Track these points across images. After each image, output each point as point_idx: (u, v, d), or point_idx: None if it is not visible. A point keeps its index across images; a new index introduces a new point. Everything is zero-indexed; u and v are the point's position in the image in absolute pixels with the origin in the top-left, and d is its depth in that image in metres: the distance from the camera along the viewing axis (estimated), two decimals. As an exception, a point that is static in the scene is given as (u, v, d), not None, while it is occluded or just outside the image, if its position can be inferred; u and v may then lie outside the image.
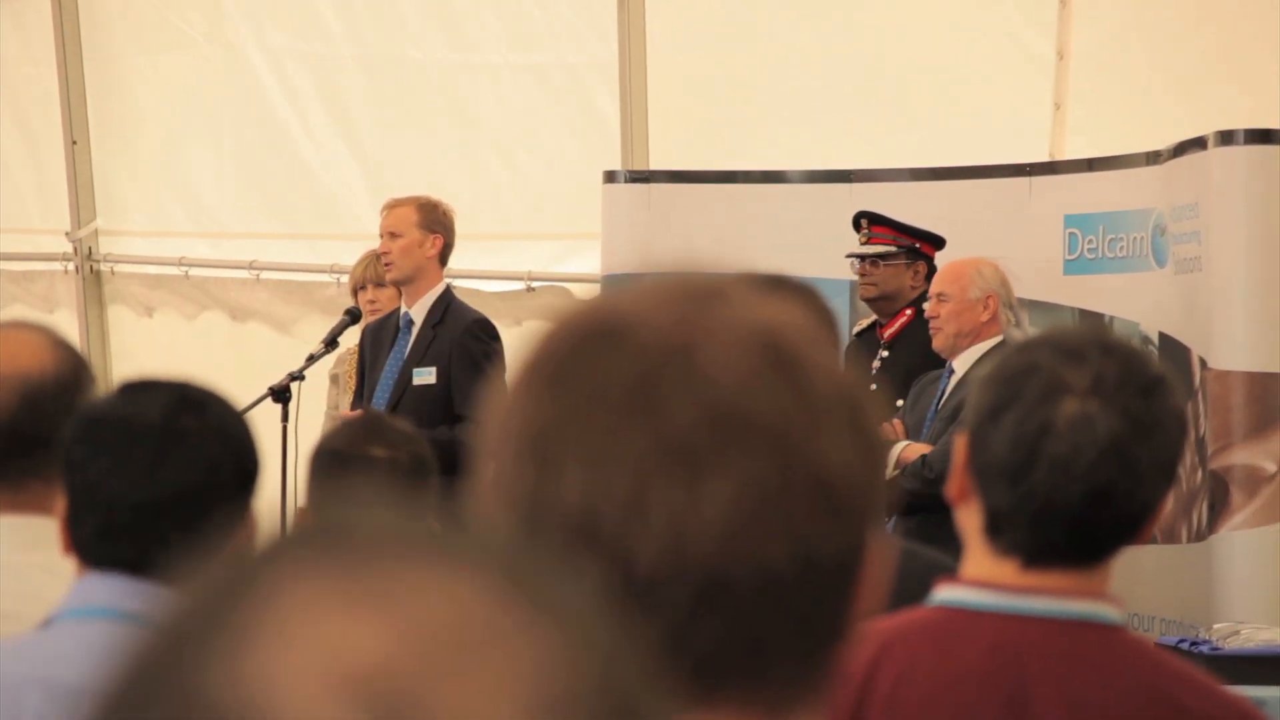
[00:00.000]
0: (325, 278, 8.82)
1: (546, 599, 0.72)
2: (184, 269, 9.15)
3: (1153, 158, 6.69)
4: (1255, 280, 6.20)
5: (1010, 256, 6.83)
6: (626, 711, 0.70)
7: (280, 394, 6.53)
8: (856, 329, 6.89)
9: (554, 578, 0.73)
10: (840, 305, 7.41)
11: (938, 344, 6.21)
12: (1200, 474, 6.38)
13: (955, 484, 2.21)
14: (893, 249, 6.63)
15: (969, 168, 7.26)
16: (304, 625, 0.70)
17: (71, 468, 2.27)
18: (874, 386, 6.04)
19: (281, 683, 0.69)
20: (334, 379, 7.24)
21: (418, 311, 6.65)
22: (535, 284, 8.41)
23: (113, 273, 9.34)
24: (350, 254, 8.63)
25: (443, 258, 6.74)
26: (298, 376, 6.58)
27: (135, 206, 9.29)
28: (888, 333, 6.63)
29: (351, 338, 7.04)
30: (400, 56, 8.74)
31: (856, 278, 6.74)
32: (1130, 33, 7.52)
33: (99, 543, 2.24)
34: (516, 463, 1.10)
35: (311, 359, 6.72)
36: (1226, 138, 6.24)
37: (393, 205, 6.77)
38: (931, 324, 6.23)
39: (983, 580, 2.17)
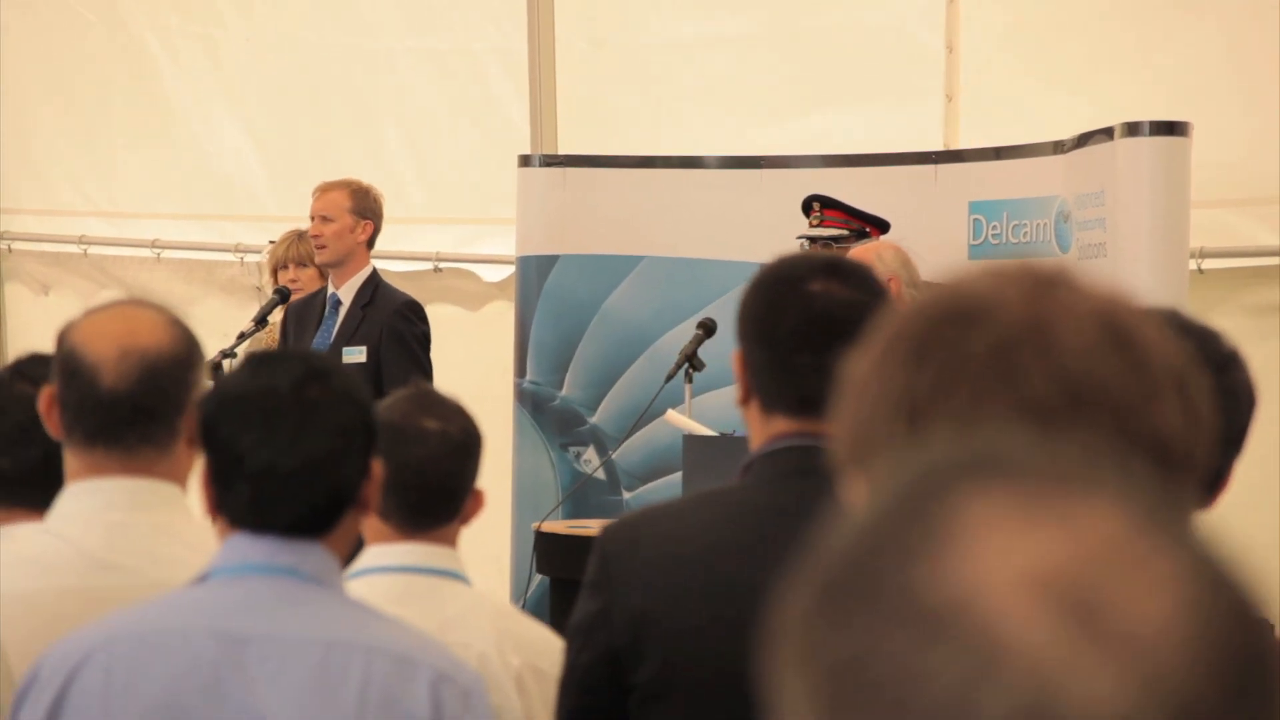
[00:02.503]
0: (230, 257, 8.89)
1: (1170, 521, 0.90)
2: (83, 247, 9.17)
3: (1057, 147, 6.97)
4: (1161, 266, 6.48)
5: (917, 241, 7.08)
6: (1243, 608, 0.88)
7: (212, 370, 6.62)
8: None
9: (1171, 507, 0.91)
10: (749, 288, 7.62)
11: None
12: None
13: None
14: (844, 232, 6.84)
15: (875, 155, 7.50)
16: (993, 536, 0.87)
17: (218, 441, 2.41)
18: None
19: (980, 582, 0.86)
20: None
21: (345, 292, 6.81)
22: (443, 265, 8.55)
23: (9, 250, 9.33)
24: (251, 235, 8.73)
25: (371, 242, 6.90)
26: (229, 354, 6.68)
27: (33, 185, 9.28)
28: (834, 312, 6.83)
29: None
30: (299, 40, 8.82)
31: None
32: (1017, 29, 7.78)
33: (250, 508, 2.39)
34: (882, 421, 1.28)
35: (243, 336, 6.82)
36: (1133, 129, 6.52)
37: (325, 189, 6.91)
38: None
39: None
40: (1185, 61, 7.27)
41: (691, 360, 6.55)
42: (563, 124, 8.36)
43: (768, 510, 2.72)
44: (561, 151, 8.24)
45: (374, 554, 2.92)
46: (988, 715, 0.84)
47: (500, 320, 8.43)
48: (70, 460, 2.81)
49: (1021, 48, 7.74)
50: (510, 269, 8.54)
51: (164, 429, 2.72)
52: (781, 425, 2.73)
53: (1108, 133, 6.62)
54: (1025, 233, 7.15)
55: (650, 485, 7.60)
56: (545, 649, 3.00)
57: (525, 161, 7.83)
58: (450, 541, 3.03)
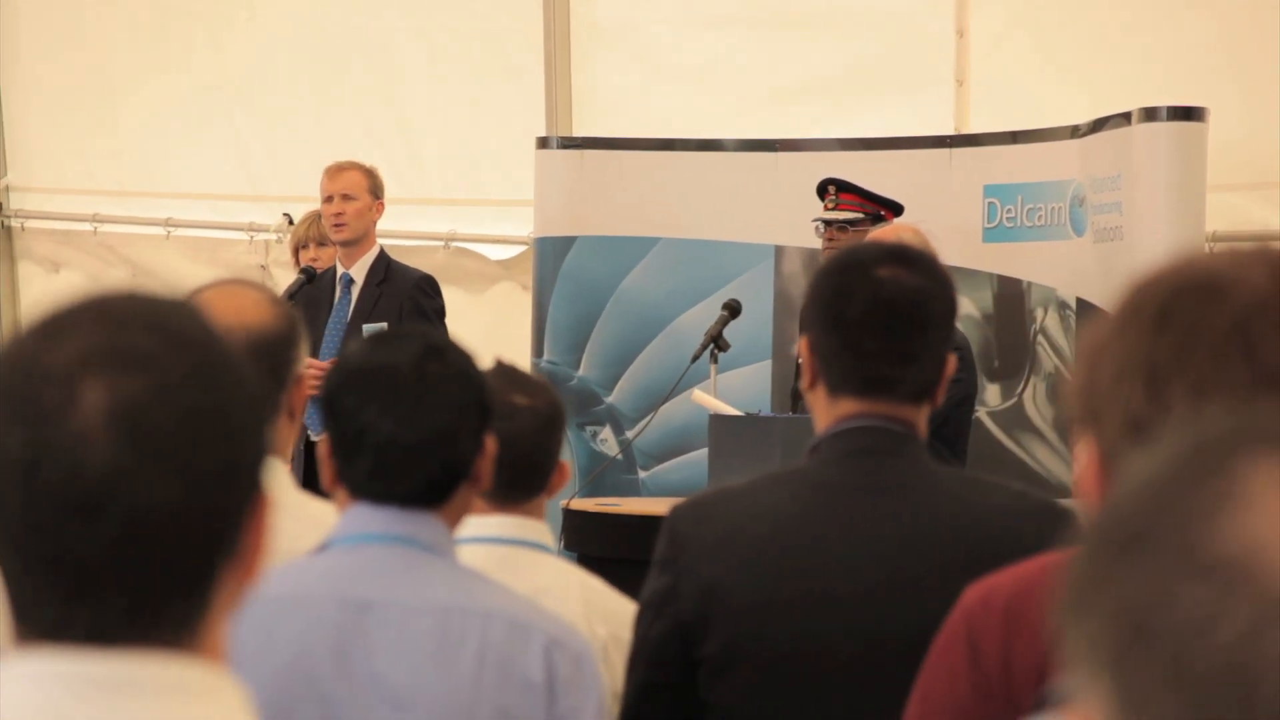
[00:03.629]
0: (241, 235, 8.96)
1: None
2: (94, 225, 9.22)
3: (1073, 131, 7.06)
4: (1177, 249, 6.56)
5: (932, 224, 7.17)
6: None
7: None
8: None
9: None
10: (764, 271, 7.72)
11: None
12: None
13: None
14: (860, 215, 6.91)
15: (891, 139, 7.58)
16: (1277, 498, 0.95)
17: (341, 414, 2.48)
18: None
19: (1265, 538, 0.94)
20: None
21: (358, 271, 6.93)
22: (453, 244, 8.63)
23: (22, 228, 9.38)
24: (261, 215, 8.79)
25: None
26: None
27: (46, 163, 9.33)
28: (848, 294, 6.91)
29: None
30: (311, 20, 8.88)
31: (822, 242, 6.99)
32: (1026, 14, 7.86)
33: (371, 480, 2.47)
34: (1118, 384, 1.38)
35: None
36: (1150, 114, 6.61)
37: (342, 168, 7.02)
38: None
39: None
40: (1196, 46, 7.36)
41: (717, 341, 6.64)
42: (577, 106, 8.43)
43: (835, 489, 2.80)
44: (576, 133, 8.32)
45: (467, 525, 3.00)
46: (1272, 659, 0.92)
47: (507, 300, 8.51)
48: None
49: (1031, 33, 7.83)
50: (517, 249, 8.61)
51: (268, 403, 2.80)
52: (848, 407, 2.81)
53: (1125, 117, 6.71)
54: (1040, 216, 7.24)
55: (666, 464, 7.68)
56: (628, 620, 3.08)
57: (543, 143, 7.90)
58: (538, 514, 3.10)
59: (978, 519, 2.78)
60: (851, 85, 8.10)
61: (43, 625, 1.38)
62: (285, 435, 2.87)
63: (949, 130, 7.86)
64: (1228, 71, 7.28)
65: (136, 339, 1.37)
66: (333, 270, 7.00)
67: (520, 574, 2.91)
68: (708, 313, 7.50)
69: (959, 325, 6.65)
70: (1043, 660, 2.34)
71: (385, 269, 6.94)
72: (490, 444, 2.52)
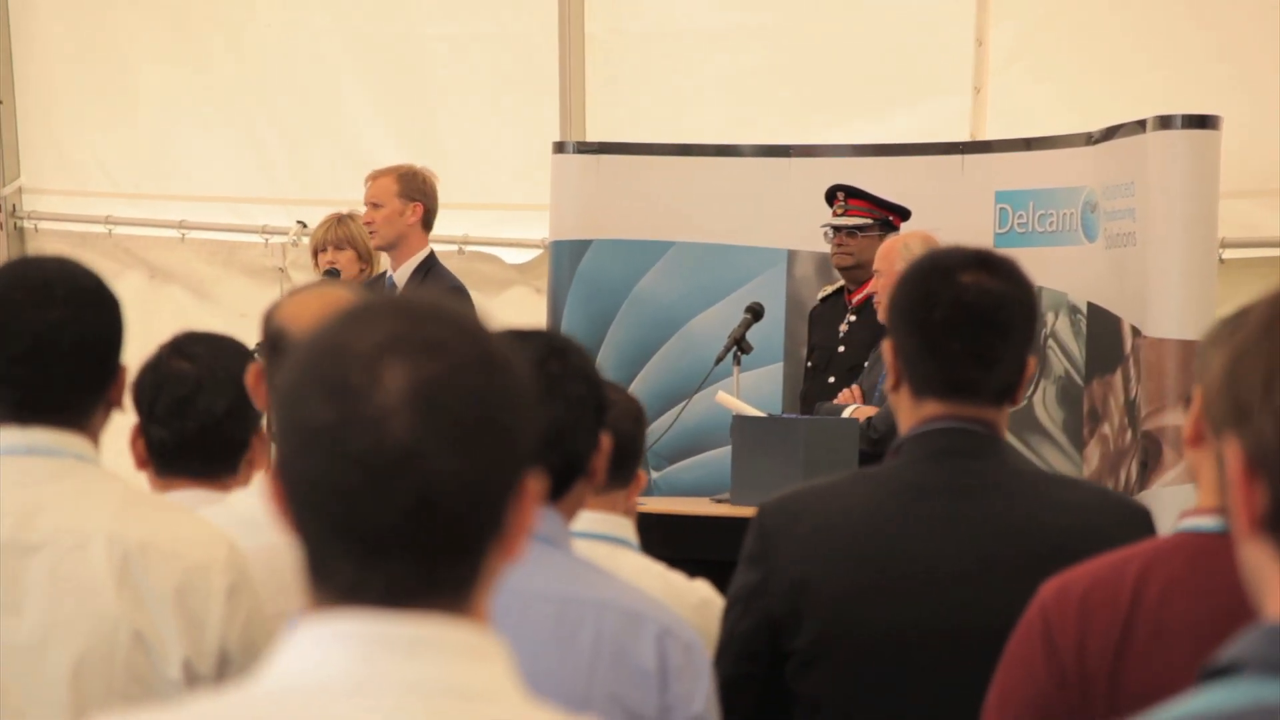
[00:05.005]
0: (255, 239, 9.04)
1: None
2: (108, 227, 9.29)
3: (1086, 139, 7.17)
4: (1190, 256, 6.68)
5: (943, 230, 7.28)
6: None
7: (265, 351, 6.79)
8: (821, 294, 7.30)
9: None
10: (776, 275, 7.83)
11: (881, 316, 6.61)
12: (1130, 435, 6.86)
13: (1190, 429, 2.54)
14: (868, 221, 7.02)
15: (903, 145, 7.69)
16: None
17: None
18: (841, 349, 6.45)
19: None
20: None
21: (401, 275, 7.05)
22: (467, 248, 8.72)
23: (36, 229, 9.44)
24: (276, 218, 8.87)
25: (426, 223, 7.12)
26: (282, 334, 6.84)
27: (59, 165, 9.39)
28: (856, 298, 7.04)
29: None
30: (327, 25, 8.96)
31: (831, 247, 7.10)
32: (1046, 24, 7.98)
33: None
34: (1270, 384, 1.47)
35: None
36: (1165, 122, 6.72)
37: (374, 176, 7.16)
38: (874, 300, 6.65)
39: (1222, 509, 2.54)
40: (1209, 55, 7.49)
41: (740, 343, 6.74)
42: (590, 110, 8.54)
43: (918, 487, 2.90)
44: (589, 137, 8.42)
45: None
46: None
47: (523, 304, 8.59)
48: (276, 429, 2.98)
49: (1049, 43, 7.94)
50: (532, 253, 8.70)
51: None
52: (932, 409, 2.91)
53: (1140, 125, 6.82)
54: (1051, 222, 7.35)
55: (679, 465, 7.78)
56: (709, 614, 3.18)
57: (559, 148, 8.00)
58: (621, 509, 3.20)
59: (1059, 515, 2.88)
60: (870, 92, 8.21)
61: (339, 587, 1.53)
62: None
63: (965, 137, 7.98)
64: (1237, 80, 7.40)
65: (431, 329, 1.53)
66: (386, 274, 7.17)
67: (607, 568, 3.00)
68: (721, 316, 7.61)
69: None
70: (1116, 651, 2.44)
71: (424, 276, 7.06)
72: (606, 441, 2.62)
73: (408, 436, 1.50)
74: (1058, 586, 2.48)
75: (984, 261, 2.94)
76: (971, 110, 8.08)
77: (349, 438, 1.50)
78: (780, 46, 8.37)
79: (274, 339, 2.98)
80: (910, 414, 2.95)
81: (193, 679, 2.62)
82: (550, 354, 2.59)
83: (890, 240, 6.76)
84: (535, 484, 1.58)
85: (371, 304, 1.56)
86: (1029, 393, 7.38)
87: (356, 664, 1.51)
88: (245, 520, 2.87)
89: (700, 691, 2.53)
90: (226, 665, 2.64)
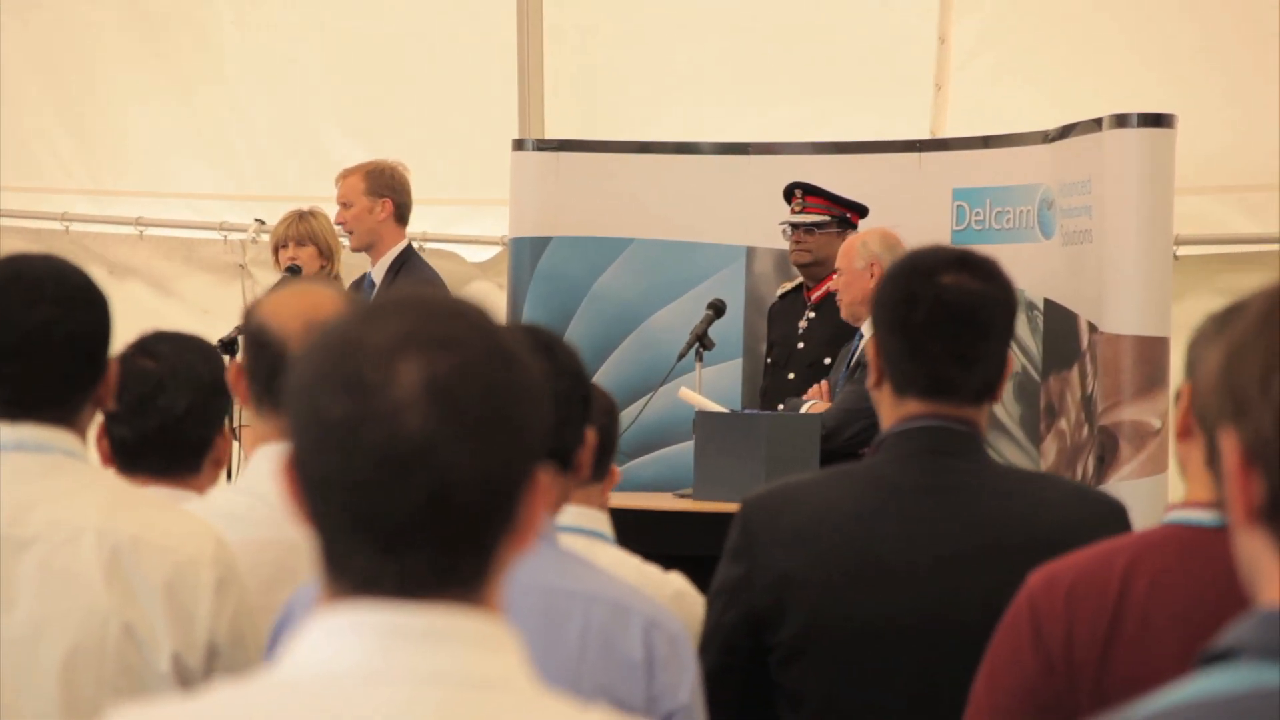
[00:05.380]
0: (214, 235, 9.04)
1: None
2: (64, 224, 9.27)
3: (1042, 137, 7.24)
4: (1146, 253, 6.75)
5: (901, 227, 7.35)
6: None
7: (228, 346, 6.79)
8: (780, 291, 7.34)
9: None
10: (735, 271, 7.87)
11: (843, 314, 6.66)
12: (1086, 430, 6.93)
13: (1180, 423, 2.60)
14: (825, 218, 7.08)
15: (862, 143, 7.75)
16: None
17: None
18: (801, 345, 6.49)
19: None
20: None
21: (378, 271, 7.08)
22: (427, 245, 8.73)
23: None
24: (236, 214, 8.87)
25: (400, 217, 7.14)
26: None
27: (15, 161, 9.36)
28: (815, 295, 7.08)
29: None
30: (286, 20, 8.96)
31: (789, 245, 7.15)
32: (1008, 22, 8.05)
33: None
34: (1260, 381, 1.51)
35: (251, 314, 6.99)
36: (1121, 120, 6.79)
37: (343, 175, 7.20)
38: (836, 298, 6.70)
39: (1212, 502, 2.58)
40: (1169, 53, 7.56)
41: (702, 339, 6.79)
42: (549, 106, 8.56)
43: (899, 484, 2.95)
44: (548, 134, 8.45)
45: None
46: None
47: (483, 300, 8.60)
48: (258, 425, 3.02)
49: (1012, 40, 8.01)
50: (493, 250, 8.73)
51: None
52: (913, 407, 2.96)
53: (1096, 123, 6.89)
54: (1008, 219, 7.42)
55: (640, 460, 7.81)
56: (684, 606, 3.22)
57: (519, 145, 8.03)
58: (597, 502, 3.24)
59: (1038, 511, 2.93)
60: (833, 89, 8.27)
61: (353, 578, 1.56)
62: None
63: (926, 134, 8.04)
64: (1199, 78, 7.49)
65: (444, 324, 1.56)
66: (366, 274, 7.21)
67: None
68: (681, 312, 7.66)
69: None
70: (1103, 639, 2.49)
71: (399, 270, 7.08)
72: (590, 435, 2.65)
73: (422, 430, 1.53)
74: (1046, 576, 2.52)
75: (964, 262, 2.99)
76: (933, 107, 8.14)
77: (364, 431, 1.53)
78: (741, 43, 8.41)
79: (255, 335, 3.01)
80: (892, 411, 2.99)
81: (182, 672, 2.64)
82: (537, 350, 2.62)
83: (850, 239, 6.81)
84: (546, 477, 1.61)
85: (384, 302, 1.59)
86: (986, 388, 7.43)
87: (373, 654, 1.54)
88: (226, 515, 2.90)
89: (686, 682, 2.57)
90: (215, 658, 2.67)
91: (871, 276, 6.59)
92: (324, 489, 1.56)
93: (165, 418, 3.23)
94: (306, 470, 1.58)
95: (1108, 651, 2.47)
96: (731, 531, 3.00)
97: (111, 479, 2.76)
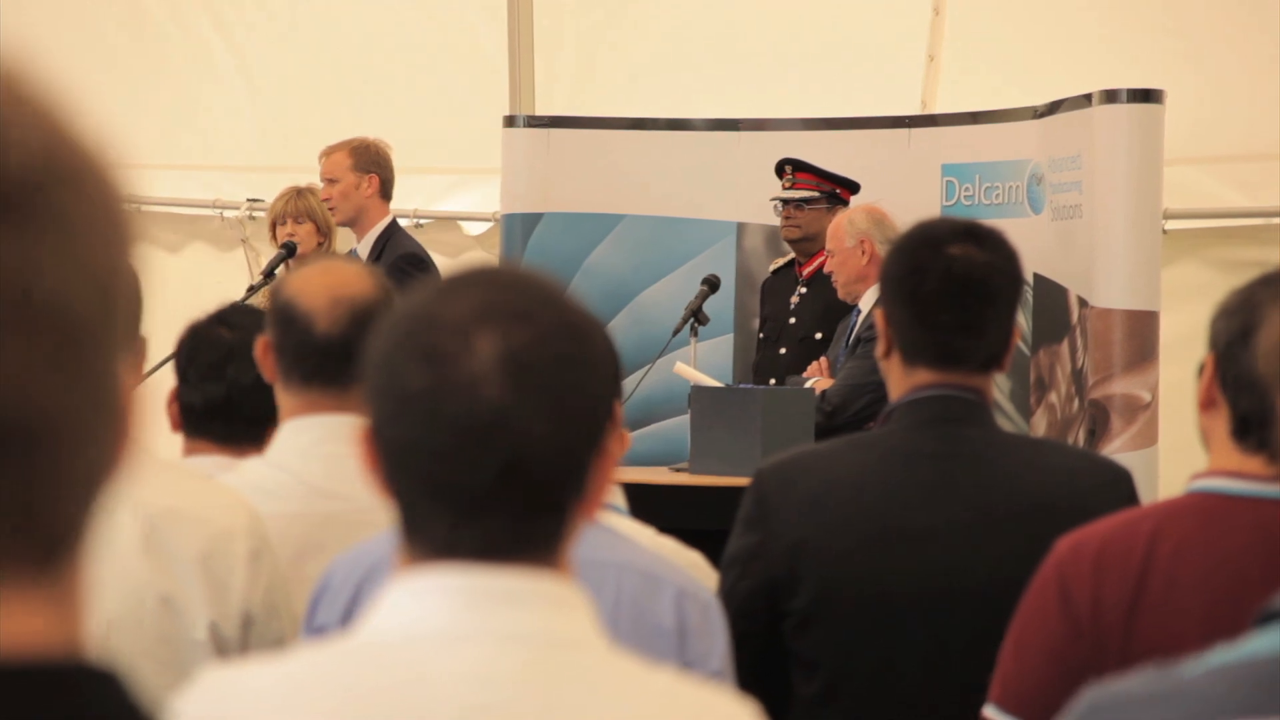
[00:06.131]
0: (209, 212, 9.07)
1: None
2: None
3: (1031, 112, 7.29)
4: (1135, 227, 6.81)
5: (891, 202, 7.40)
6: None
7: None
8: (773, 267, 7.39)
9: None
10: (726, 247, 7.92)
11: (840, 294, 6.71)
12: (1076, 403, 6.99)
13: (1203, 394, 2.64)
14: (815, 194, 7.13)
15: (851, 119, 7.80)
16: None
17: None
18: (793, 321, 6.54)
19: None
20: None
21: (363, 248, 7.12)
22: (422, 221, 8.77)
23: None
24: (232, 189, 8.89)
25: (384, 193, 7.18)
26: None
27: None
28: (806, 271, 7.14)
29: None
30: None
31: (780, 220, 7.20)
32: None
33: None
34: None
35: (252, 290, 7.02)
36: (1111, 96, 6.85)
37: (327, 152, 7.23)
38: (832, 279, 6.75)
39: (1235, 471, 2.64)
40: (1160, 26, 7.62)
41: (697, 315, 6.83)
42: (541, 81, 8.59)
43: (910, 453, 3.01)
44: (540, 109, 8.48)
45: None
46: None
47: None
48: (285, 400, 3.06)
49: (1006, 12, 8.04)
50: (485, 225, 8.77)
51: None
52: (923, 377, 3.02)
53: (1085, 99, 6.94)
54: (997, 194, 7.48)
55: (635, 434, 7.84)
56: (701, 578, 3.27)
57: (510, 122, 8.07)
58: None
59: (1045, 477, 2.99)
60: (825, 63, 8.30)
61: (434, 543, 1.62)
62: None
63: (918, 106, 8.08)
64: (1185, 52, 7.54)
65: (519, 297, 1.62)
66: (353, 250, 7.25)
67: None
68: (672, 288, 7.71)
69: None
70: (1129, 603, 2.55)
71: (383, 246, 7.13)
72: (619, 410, 2.69)
73: (499, 401, 1.59)
74: (1073, 543, 2.58)
75: (971, 233, 3.04)
76: (924, 80, 8.18)
77: (443, 402, 1.59)
78: (733, 19, 8.45)
79: (282, 311, 3.06)
80: (901, 381, 3.05)
81: (219, 641, 2.69)
82: None
83: (836, 218, 6.85)
84: (615, 445, 1.66)
85: (460, 276, 1.66)
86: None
87: (458, 615, 1.60)
88: (255, 488, 2.94)
89: (717, 650, 2.61)
90: (250, 628, 2.72)
91: (863, 253, 6.64)
92: (404, 458, 1.62)
93: (232, 388, 3.29)
94: (386, 440, 1.64)
95: (1133, 616, 2.53)
96: (745, 501, 3.05)
97: (146, 451, 2.79)
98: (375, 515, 2.82)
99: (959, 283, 2.99)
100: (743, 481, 5.53)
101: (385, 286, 3.10)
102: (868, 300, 6.59)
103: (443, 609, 1.60)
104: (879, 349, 3.07)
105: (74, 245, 0.83)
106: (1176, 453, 6.55)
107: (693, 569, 3.27)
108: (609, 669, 1.65)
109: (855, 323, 6.68)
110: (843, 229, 6.70)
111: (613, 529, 2.69)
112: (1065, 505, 2.92)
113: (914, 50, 8.17)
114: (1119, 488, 3.01)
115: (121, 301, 0.84)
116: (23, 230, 0.82)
